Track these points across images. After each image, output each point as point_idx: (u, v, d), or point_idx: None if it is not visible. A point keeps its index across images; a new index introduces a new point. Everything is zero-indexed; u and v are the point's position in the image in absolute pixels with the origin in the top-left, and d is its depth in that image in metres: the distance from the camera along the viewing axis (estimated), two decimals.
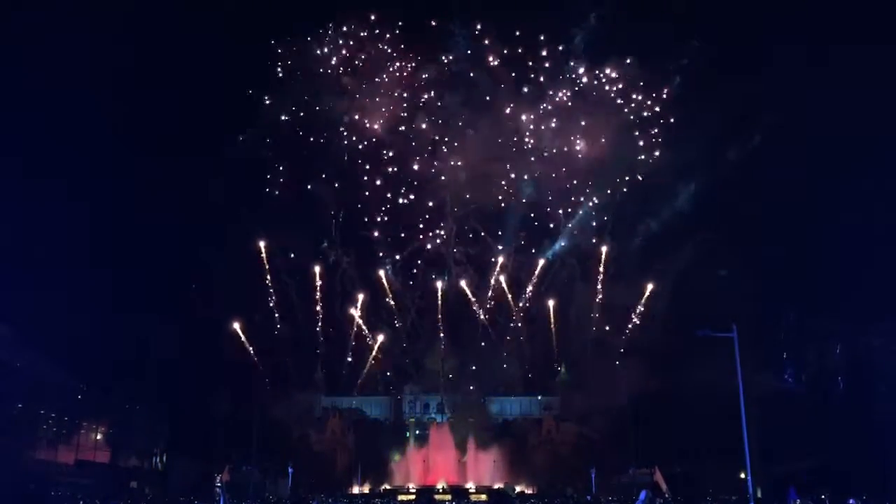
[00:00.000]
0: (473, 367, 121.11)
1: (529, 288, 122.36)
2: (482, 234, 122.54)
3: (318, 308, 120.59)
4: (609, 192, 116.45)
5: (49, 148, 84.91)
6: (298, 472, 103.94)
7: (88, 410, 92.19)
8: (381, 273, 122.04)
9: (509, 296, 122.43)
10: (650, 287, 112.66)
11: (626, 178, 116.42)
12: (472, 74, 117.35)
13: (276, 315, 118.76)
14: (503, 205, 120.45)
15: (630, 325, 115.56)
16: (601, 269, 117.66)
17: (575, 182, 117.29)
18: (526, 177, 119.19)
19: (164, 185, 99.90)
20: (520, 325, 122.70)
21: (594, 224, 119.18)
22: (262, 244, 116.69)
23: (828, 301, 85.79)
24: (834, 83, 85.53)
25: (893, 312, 74.43)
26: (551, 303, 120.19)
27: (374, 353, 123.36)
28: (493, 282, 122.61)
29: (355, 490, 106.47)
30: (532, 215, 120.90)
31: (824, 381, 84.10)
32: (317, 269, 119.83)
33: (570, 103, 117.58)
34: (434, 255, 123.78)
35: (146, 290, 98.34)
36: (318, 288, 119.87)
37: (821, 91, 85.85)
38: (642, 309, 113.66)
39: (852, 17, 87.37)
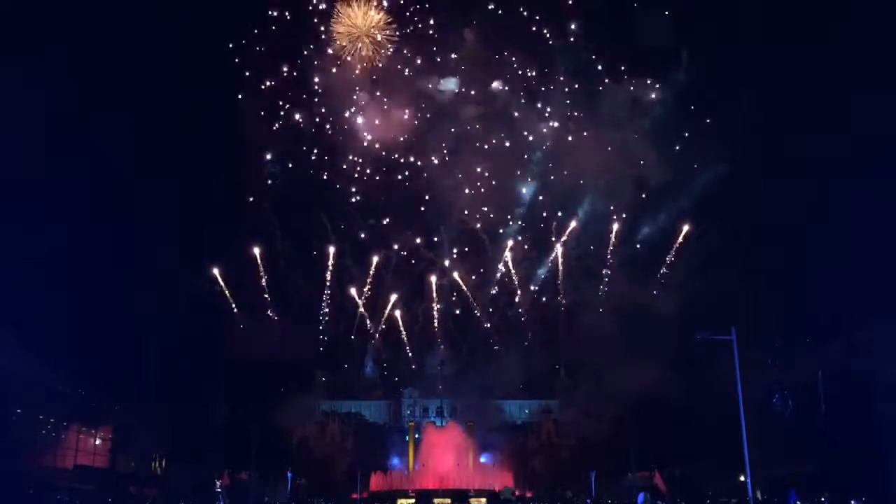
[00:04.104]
0: (473, 371, 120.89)
1: (530, 290, 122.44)
2: (484, 238, 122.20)
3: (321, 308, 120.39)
4: (612, 197, 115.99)
5: (49, 148, 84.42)
6: (297, 477, 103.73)
7: (87, 415, 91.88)
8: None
9: (510, 298, 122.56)
10: (652, 289, 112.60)
11: (629, 184, 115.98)
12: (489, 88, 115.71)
13: (275, 317, 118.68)
14: (507, 205, 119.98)
15: (631, 328, 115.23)
16: (603, 272, 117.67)
17: (577, 187, 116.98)
18: (529, 180, 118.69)
19: (163, 185, 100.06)
20: (519, 328, 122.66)
21: (596, 228, 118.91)
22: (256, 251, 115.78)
23: (822, 304, 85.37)
24: (833, 84, 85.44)
25: (891, 312, 74.03)
26: (552, 306, 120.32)
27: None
28: (493, 284, 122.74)
29: (354, 494, 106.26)
30: (534, 219, 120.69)
31: (811, 404, 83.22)
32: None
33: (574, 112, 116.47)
34: (433, 257, 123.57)
35: (146, 292, 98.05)
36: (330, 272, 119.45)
37: (821, 92, 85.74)
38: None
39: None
